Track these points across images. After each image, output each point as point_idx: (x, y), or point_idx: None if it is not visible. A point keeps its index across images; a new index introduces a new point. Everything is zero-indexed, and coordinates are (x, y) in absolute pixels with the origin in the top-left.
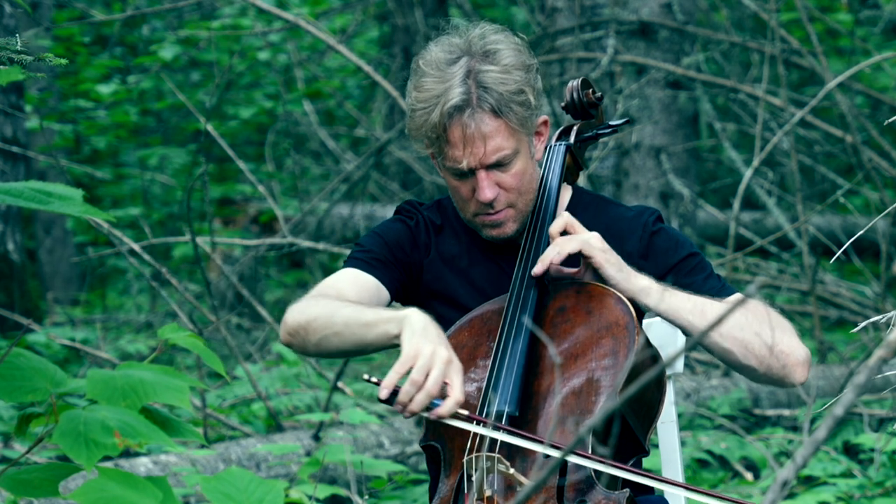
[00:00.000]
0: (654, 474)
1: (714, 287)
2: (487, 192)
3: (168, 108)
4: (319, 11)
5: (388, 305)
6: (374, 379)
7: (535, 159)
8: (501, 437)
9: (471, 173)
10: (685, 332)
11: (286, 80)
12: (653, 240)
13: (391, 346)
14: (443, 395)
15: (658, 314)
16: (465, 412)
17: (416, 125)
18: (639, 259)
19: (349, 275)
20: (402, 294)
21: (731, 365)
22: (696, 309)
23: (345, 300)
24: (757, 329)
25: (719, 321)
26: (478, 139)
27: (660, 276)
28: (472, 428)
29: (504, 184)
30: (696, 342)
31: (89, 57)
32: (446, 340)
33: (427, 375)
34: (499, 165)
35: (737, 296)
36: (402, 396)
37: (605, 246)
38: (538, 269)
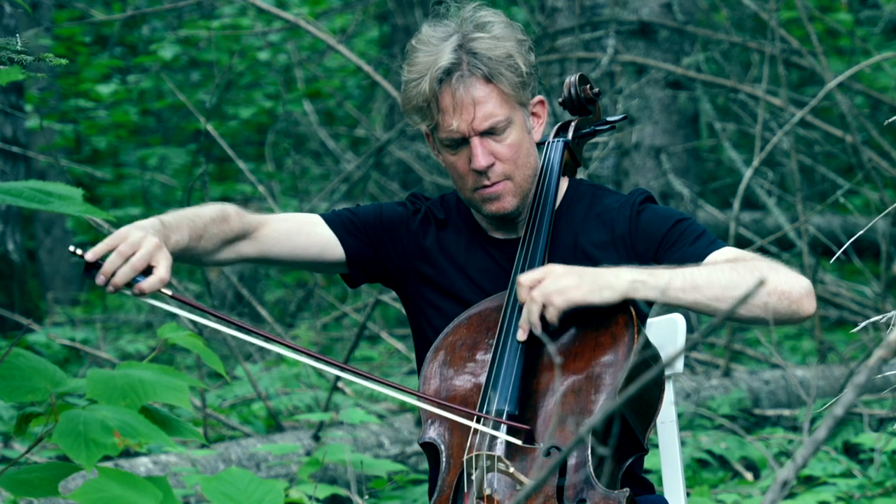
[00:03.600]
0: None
1: (701, 247)
2: (481, 158)
3: (168, 108)
4: (319, 11)
5: (347, 269)
6: (78, 251)
7: (533, 138)
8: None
9: (465, 143)
10: (688, 311)
11: (286, 80)
12: (639, 219)
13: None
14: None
15: (656, 302)
16: (170, 293)
17: (409, 98)
18: (630, 240)
19: (305, 218)
20: (366, 267)
21: (740, 322)
22: (687, 284)
23: (250, 224)
24: (751, 281)
25: (737, 305)
26: (468, 104)
27: (652, 253)
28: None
29: (499, 154)
30: (695, 343)
31: (89, 57)
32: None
33: (134, 253)
34: (492, 133)
35: (725, 250)
36: (106, 266)
37: (574, 275)
38: (522, 334)
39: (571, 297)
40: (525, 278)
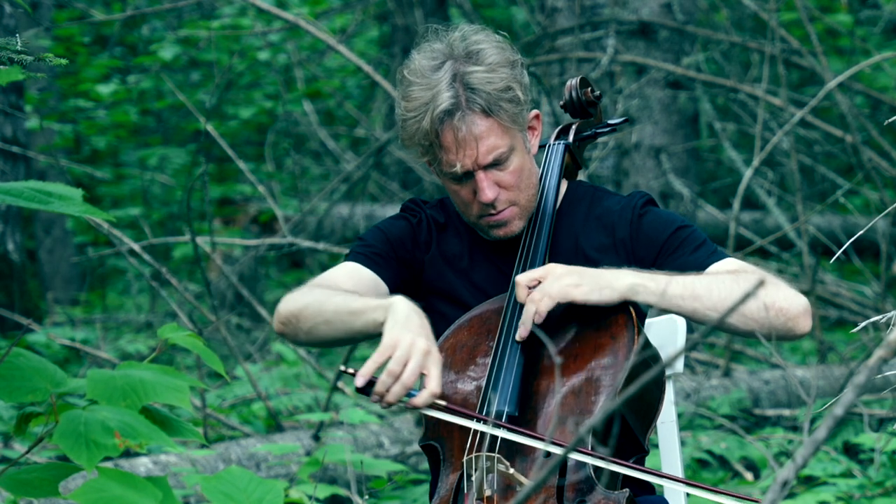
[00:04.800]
0: (655, 470)
1: (702, 257)
2: (488, 192)
3: (168, 108)
4: (319, 11)
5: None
6: (350, 370)
7: (531, 154)
8: (502, 434)
9: (469, 176)
10: (685, 318)
11: (286, 80)
12: (641, 222)
13: (378, 335)
14: (421, 386)
15: (653, 307)
16: (443, 403)
17: (409, 134)
18: (631, 244)
19: (348, 268)
20: (402, 290)
21: (734, 334)
22: (688, 292)
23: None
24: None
25: (728, 313)
26: (471, 141)
27: (652, 258)
28: (471, 425)
29: (503, 182)
30: (695, 343)
31: (89, 57)
32: (428, 330)
33: (404, 366)
34: (496, 164)
35: (727, 261)
36: (378, 387)
37: (575, 274)
38: (522, 332)
39: (570, 294)
40: (523, 278)
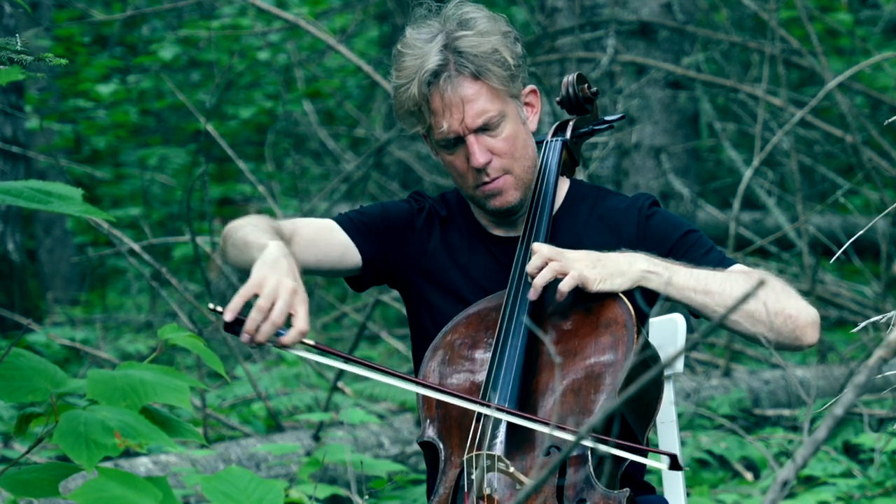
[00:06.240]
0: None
1: (713, 261)
2: (479, 156)
3: (168, 108)
4: (319, 11)
5: (360, 272)
6: (218, 308)
7: (529, 128)
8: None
9: (461, 142)
10: (692, 311)
11: (286, 80)
12: (648, 224)
13: None
14: (288, 326)
15: (664, 296)
16: (312, 342)
17: (401, 104)
18: (637, 244)
19: (323, 224)
20: (383, 272)
21: (741, 335)
22: (700, 286)
23: (286, 233)
24: (762, 297)
25: (730, 311)
26: (458, 103)
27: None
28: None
29: (496, 149)
30: (695, 343)
31: (89, 57)
32: (296, 273)
33: (273, 304)
34: (486, 129)
35: (736, 267)
36: (248, 324)
37: (589, 259)
38: (532, 294)
39: (583, 275)
40: (543, 246)
